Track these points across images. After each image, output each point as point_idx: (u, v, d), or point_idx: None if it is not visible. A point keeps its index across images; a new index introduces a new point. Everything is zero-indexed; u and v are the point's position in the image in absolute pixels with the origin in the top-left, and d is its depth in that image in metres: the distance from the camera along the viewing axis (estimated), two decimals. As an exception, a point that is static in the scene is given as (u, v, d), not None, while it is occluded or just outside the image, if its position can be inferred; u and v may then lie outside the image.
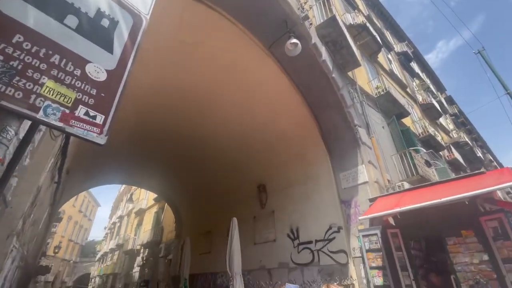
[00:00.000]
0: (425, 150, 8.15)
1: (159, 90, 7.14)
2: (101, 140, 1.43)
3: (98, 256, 37.26)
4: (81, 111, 1.40)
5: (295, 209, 7.88)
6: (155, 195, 20.23)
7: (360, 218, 4.87)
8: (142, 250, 20.44)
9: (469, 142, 17.11)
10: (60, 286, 35.82)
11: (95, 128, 1.42)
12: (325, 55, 6.20)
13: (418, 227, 5.32)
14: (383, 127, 8.95)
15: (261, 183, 9.44)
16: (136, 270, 20.34)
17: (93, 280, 34.80)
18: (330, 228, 6.53)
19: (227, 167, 10.29)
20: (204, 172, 11.15)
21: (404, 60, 15.93)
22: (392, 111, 9.24)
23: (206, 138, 9.47)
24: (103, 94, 1.51)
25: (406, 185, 6.57)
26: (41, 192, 3.05)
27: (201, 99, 7.71)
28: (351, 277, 5.54)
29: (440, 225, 4.66)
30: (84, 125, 1.39)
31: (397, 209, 3.96)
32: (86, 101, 1.44)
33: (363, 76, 9.53)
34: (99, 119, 1.46)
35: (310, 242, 6.99)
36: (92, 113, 1.44)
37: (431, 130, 11.59)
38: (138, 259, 20.64)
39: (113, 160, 10.10)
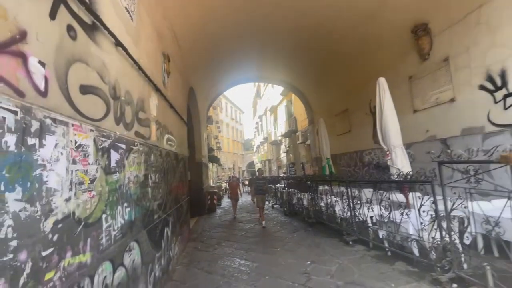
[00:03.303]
0: None
1: None
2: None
3: (254, 149, 46.68)
4: None
5: (496, 40, 4.50)
6: (280, 91, 20.17)
7: None
8: (283, 140, 22.62)
9: None
10: (238, 170, 49.67)
11: None
12: None
13: None
14: None
15: (418, 23, 6.08)
16: (282, 155, 23.31)
17: (256, 165, 45.02)
18: None
19: (360, 17, 7.15)
20: (328, 44, 8.64)
21: None
22: None
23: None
24: None
25: None
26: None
27: None
28: None
29: None
30: None
31: None
32: None
33: None
34: None
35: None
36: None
37: None
38: (282, 147, 23.27)
39: (244, 57, 9.51)
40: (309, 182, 8.06)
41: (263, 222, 7.34)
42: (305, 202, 7.58)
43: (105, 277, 1.89)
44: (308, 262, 4.16)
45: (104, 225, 1.94)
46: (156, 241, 3.27)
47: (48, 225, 1.36)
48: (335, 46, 8.30)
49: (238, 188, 10.32)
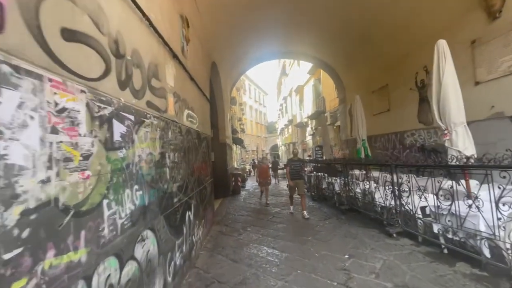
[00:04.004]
0: None
1: None
2: None
3: (278, 132, 45.90)
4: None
5: None
6: (307, 69, 18.94)
7: None
8: (309, 122, 21.61)
9: None
10: (262, 153, 49.61)
11: None
12: None
13: None
14: None
15: (488, -28, 4.87)
16: (308, 138, 22.41)
17: (280, 147, 44.43)
18: None
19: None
20: (365, 10, 7.52)
21: None
22: None
23: None
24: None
25: None
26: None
27: None
28: None
29: None
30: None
31: None
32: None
33: None
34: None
35: None
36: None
37: None
38: (308, 130, 22.31)
39: (269, 30, 8.75)
40: (338, 166, 7.38)
41: (305, 212, 6.04)
42: (336, 187, 6.96)
43: (109, 275, 1.53)
44: (346, 256, 3.64)
45: (106, 213, 1.56)
46: (177, 226, 2.93)
47: (11, 216, 0.96)
48: (373, 11, 7.16)
49: (268, 172, 8.89)
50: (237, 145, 20.93)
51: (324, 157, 15.78)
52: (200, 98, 4.94)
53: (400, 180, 4.27)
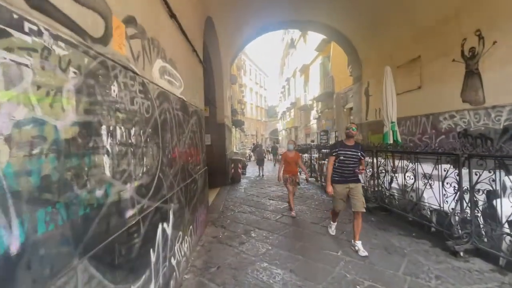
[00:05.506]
0: None
1: None
2: None
3: (279, 115, 44.28)
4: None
5: None
6: (315, 46, 17.17)
7: None
8: (314, 104, 20.10)
9: None
10: (261, 137, 48.42)
11: None
12: None
13: None
14: None
15: None
16: (313, 122, 20.99)
17: (280, 132, 43.05)
18: None
19: None
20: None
21: None
22: None
23: None
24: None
25: None
26: None
27: None
28: None
29: None
30: None
31: None
32: None
33: None
34: None
35: None
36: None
37: None
38: (313, 113, 20.84)
39: None
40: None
41: (359, 244, 3.25)
42: (360, 180, 5.68)
43: None
44: (405, 293, 2.40)
45: None
46: (133, 260, 1.62)
47: None
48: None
49: (298, 164, 5.09)
50: (237, 128, 19.52)
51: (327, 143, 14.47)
52: (187, 53, 3.50)
53: (474, 177, 2.96)
